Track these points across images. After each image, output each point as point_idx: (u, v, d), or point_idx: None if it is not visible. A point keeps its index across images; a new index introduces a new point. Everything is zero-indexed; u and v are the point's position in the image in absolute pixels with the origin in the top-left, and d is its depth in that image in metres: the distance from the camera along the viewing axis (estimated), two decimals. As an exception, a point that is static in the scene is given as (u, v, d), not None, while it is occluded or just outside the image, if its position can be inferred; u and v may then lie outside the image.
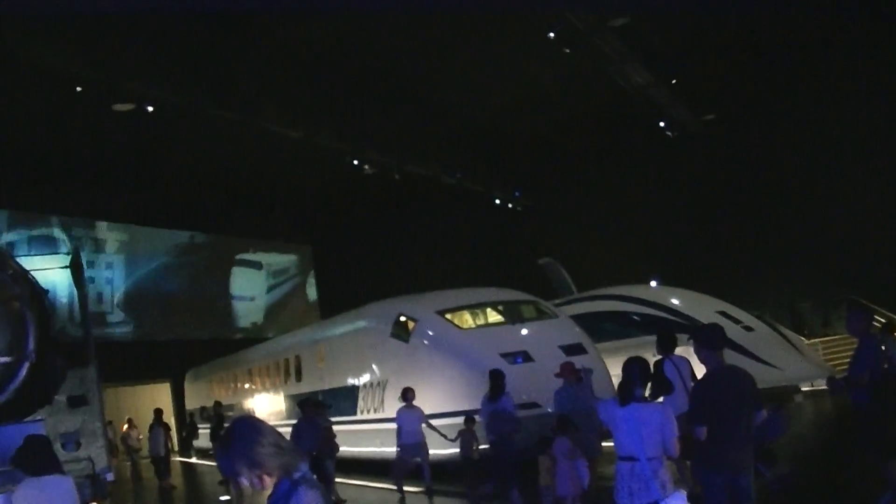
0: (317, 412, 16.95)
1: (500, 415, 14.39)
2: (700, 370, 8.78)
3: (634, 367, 7.71)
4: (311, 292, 50.84)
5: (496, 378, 14.88)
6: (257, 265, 48.58)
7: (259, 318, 47.87)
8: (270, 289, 49.04)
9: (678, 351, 11.77)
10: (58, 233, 38.76)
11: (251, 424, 4.24)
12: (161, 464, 25.11)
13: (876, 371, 9.95)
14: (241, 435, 4.15)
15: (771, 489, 8.96)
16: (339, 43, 27.38)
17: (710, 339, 8.21)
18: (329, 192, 38.38)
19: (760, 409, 7.97)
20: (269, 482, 4.09)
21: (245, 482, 4.08)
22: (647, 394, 7.66)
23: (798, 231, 31.54)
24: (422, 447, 17.14)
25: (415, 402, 17.59)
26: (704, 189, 34.57)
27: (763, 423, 8.03)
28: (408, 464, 17.12)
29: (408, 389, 17.22)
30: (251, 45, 26.95)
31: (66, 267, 13.31)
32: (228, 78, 27.70)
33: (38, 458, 7.26)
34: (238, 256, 47.55)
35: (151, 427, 26.00)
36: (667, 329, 12.08)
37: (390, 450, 20.00)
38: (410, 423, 16.93)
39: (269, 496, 4.14)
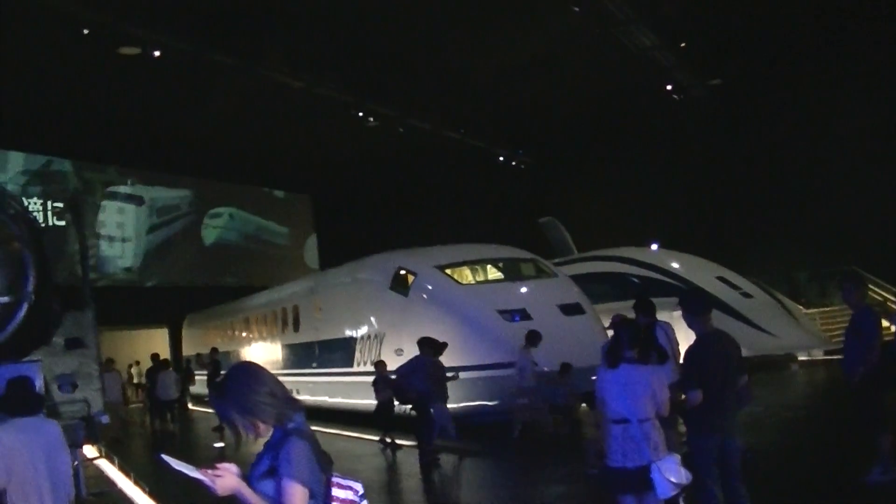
0: (434, 351, 16.26)
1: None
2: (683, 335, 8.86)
3: (623, 329, 7.73)
4: (209, 234, 45.80)
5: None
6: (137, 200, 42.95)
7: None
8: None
9: (663, 317, 11.65)
10: (70, 176, 38.65)
11: (249, 371, 4.26)
12: (173, 407, 25.58)
13: (873, 341, 9.99)
14: (237, 381, 4.16)
15: (745, 457, 9.02)
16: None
17: (695, 305, 8.28)
18: (331, 144, 38.19)
19: (743, 374, 8.04)
20: (263, 429, 4.09)
21: (241, 427, 4.09)
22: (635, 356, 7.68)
23: (799, 200, 31.50)
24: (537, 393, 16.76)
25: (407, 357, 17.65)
26: (707, 154, 34.51)
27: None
28: (526, 407, 16.74)
29: (535, 334, 16.78)
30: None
31: (65, 208, 13.34)
32: (233, 25, 27.50)
33: (16, 400, 7.20)
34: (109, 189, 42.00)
35: (156, 371, 26.31)
36: (644, 294, 12.03)
37: (384, 402, 20.11)
38: (529, 367, 16.65)
39: (264, 443, 4.14)
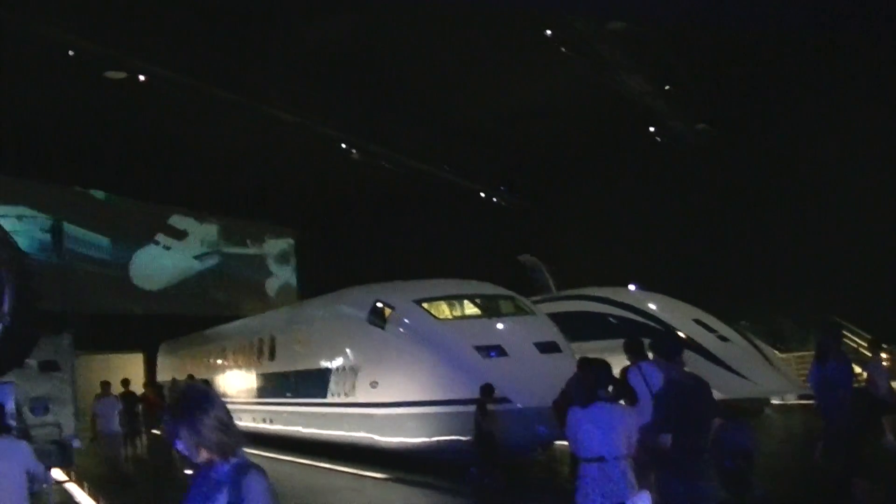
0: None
1: (827, 380, 14.85)
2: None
3: (596, 369, 7.78)
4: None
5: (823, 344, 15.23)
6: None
7: None
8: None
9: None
10: (50, 200, 38.24)
11: (203, 393, 4.26)
12: None
13: (847, 390, 10.07)
14: (188, 400, 4.17)
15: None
16: (337, 33, 27.29)
17: (666, 349, 8.34)
18: (316, 176, 38.20)
19: (715, 418, 8.10)
20: (205, 456, 4.08)
21: (181, 448, 4.10)
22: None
23: (784, 246, 31.60)
24: None
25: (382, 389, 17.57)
26: (691, 198, 34.58)
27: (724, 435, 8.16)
28: None
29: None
30: (253, 28, 26.83)
31: (46, 232, 13.34)
32: (223, 56, 27.56)
33: None
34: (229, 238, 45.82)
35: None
36: (634, 337, 12.00)
37: (358, 434, 20.09)
38: None
39: (197, 474, 4.17)
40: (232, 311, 42.00)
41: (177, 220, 44.84)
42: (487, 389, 16.10)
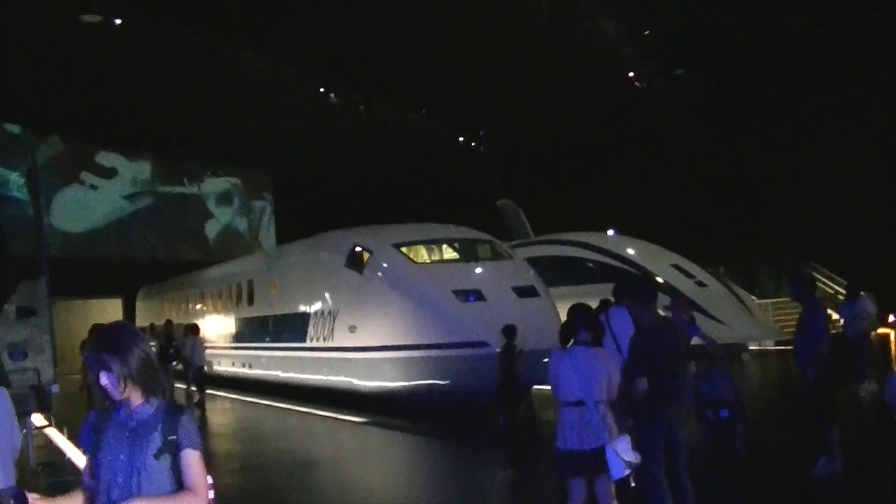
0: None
1: (858, 314, 16.58)
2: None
3: (579, 313, 7.76)
4: None
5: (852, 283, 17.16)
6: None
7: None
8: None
9: None
10: (20, 143, 37.69)
11: (132, 328, 4.27)
12: (201, 374, 23.33)
13: (821, 337, 10.10)
14: (120, 333, 4.14)
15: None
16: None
17: (641, 294, 8.36)
18: (292, 120, 37.97)
19: (691, 362, 8.14)
20: (129, 392, 4.01)
21: (105, 381, 4.00)
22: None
23: (759, 191, 31.72)
24: None
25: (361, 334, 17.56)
26: (669, 144, 34.63)
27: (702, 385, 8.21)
28: None
29: None
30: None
31: (21, 176, 13.26)
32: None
33: None
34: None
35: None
36: (622, 281, 11.98)
37: (336, 378, 20.17)
38: None
39: (131, 422, 4.07)
40: (167, 254, 41.89)
41: (104, 158, 41.45)
42: (510, 330, 15.62)
